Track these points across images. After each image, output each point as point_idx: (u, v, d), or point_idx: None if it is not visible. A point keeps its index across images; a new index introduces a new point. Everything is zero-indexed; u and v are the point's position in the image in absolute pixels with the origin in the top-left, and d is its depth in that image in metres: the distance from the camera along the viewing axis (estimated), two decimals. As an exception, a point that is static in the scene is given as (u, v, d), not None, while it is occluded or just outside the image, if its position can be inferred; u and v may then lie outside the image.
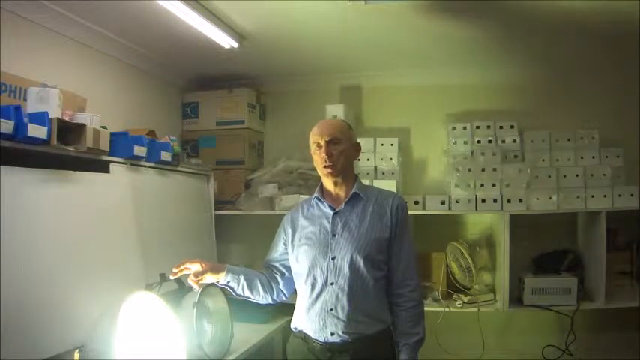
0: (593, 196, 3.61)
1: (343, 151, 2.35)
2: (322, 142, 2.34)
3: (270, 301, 2.53)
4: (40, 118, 2.18)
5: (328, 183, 2.42)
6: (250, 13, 3.09)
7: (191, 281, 2.32)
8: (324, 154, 2.33)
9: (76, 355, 2.24)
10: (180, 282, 2.73)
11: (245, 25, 3.27)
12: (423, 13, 3.04)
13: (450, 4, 2.95)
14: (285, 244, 2.50)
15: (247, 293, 2.44)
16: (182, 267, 2.33)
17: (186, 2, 2.78)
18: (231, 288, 2.43)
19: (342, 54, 3.90)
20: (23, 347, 2.06)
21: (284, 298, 2.56)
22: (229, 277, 2.39)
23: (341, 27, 3.31)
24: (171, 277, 2.37)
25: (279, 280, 2.51)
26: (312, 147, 2.39)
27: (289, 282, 2.52)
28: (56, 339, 2.22)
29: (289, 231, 2.49)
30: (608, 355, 3.80)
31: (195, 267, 2.32)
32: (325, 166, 2.34)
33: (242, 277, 2.40)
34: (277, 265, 2.53)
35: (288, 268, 2.50)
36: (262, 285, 2.46)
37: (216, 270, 2.37)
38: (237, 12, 3.07)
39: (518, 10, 3.00)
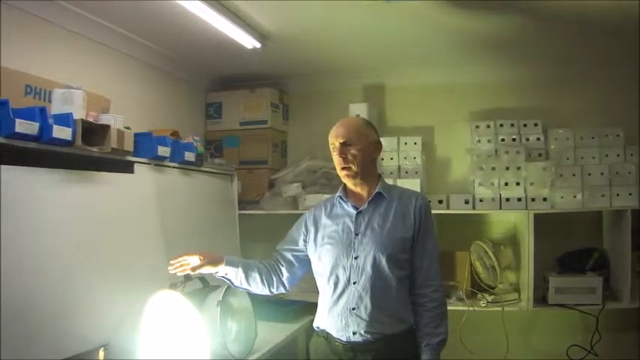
0: (618, 195, 3.56)
1: (358, 152, 2.33)
2: (337, 144, 2.34)
3: (268, 293, 2.52)
4: (64, 119, 2.21)
5: (349, 183, 2.42)
6: (272, 13, 3.11)
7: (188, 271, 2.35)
8: (338, 156, 2.33)
9: (101, 353, 2.27)
10: (205, 281, 2.75)
11: (268, 26, 3.29)
12: (444, 11, 3.03)
13: (472, 2, 2.93)
14: (305, 241, 2.49)
15: (245, 285, 2.45)
16: (181, 260, 2.33)
17: (209, 3, 2.80)
18: (229, 280, 2.44)
19: (365, 53, 3.90)
20: (48, 345, 2.09)
21: (283, 291, 2.55)
22: (227, 269, 2.40)
23: (363, 26, 3.31)
24: (170, 271, 2.36)
25: (284, 271, 2.50)
26: (330, 148, 2.39)
27: (294, 274, 2.52)
28: (81, 337, 2.25)
29: (312, 229, 2.48)
30: (633, 356, 3.75)
31: (194, 260, 2.33)
32: (342, 168, 2.35)
33: (240, 270, 2.40)
34: (288, 254, 2.51)
35: (299, 259, 2.50)
36: (261, 277, 2.45)
37: (214, 262, 2.37)
38: (259, 13, 3.09)
39: (542, 7, 2.98)
